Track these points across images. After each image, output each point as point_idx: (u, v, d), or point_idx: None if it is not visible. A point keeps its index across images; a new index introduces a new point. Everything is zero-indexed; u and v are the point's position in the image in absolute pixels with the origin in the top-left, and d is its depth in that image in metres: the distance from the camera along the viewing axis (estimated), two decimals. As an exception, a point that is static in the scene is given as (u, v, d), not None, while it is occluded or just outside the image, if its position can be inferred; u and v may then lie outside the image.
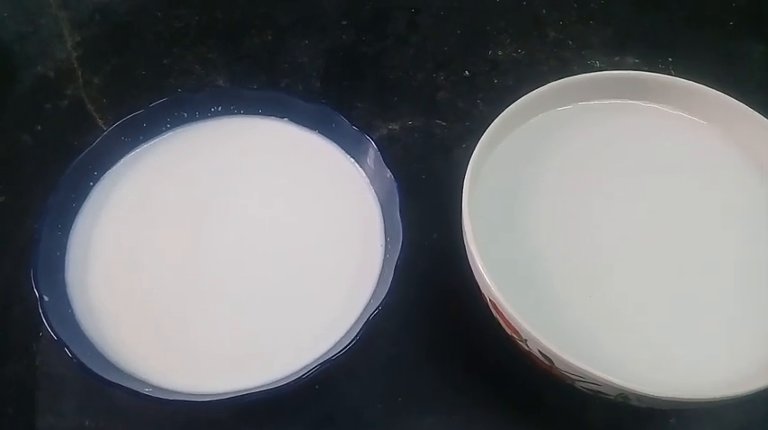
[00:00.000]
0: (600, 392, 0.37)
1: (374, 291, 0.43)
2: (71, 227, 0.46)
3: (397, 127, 0.57)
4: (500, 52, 0.62)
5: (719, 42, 0.64)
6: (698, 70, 0.60)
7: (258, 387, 0.40)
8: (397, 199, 0.44)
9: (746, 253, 0.42)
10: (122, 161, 0.48)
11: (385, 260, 0.44)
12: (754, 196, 0.44)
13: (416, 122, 0.58)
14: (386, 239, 0.45)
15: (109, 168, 0.48)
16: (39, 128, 0.57)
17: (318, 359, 0.41)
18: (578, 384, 0.37)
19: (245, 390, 0.40)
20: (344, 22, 0.64)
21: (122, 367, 0.41)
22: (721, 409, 0.41)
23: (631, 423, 0.44)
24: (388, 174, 0.45)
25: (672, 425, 0.44)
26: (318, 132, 0.50)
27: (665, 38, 0.64)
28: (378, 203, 0.47)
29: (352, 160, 0.49)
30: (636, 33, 0.64)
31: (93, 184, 0.47)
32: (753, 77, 0.61)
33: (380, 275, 0.44)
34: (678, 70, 0.61)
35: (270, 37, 0.63)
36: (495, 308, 0.39)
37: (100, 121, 0.57)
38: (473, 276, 0.41)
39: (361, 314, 0.42)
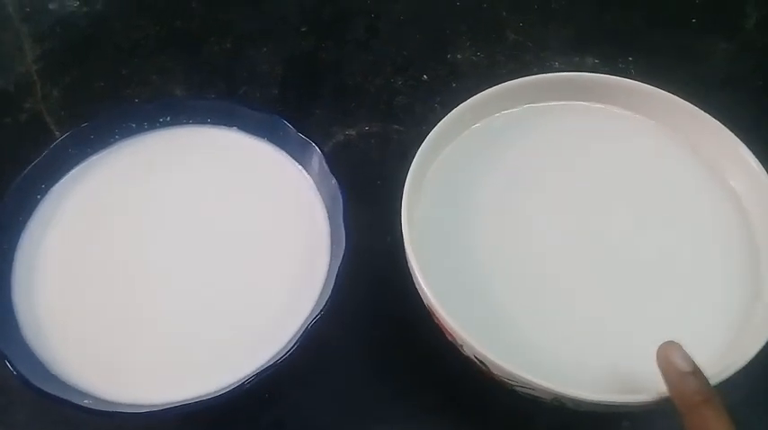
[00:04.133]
0: (537, 397, 0.37)
1: (318, 298, 0.43)
2: (18, 241, 0.46)
3: (354, 132, 0.57)
4: (459, 55, 0.62)
5: (681, 41, 0.64)
6: (659, 69, 0.60)
7: (202, 396, 0.40)
8: (341, 205, 0.44)
9: (692, 253, 0.42)
10: (70, 174, 0.49)
11: (330, 266, 0.44)
12: (700, 194, 0.44)
13: (374, 128, 0.58)
14: (331, 246, 0.45)
15: (56, 181, 0.48)
16: (-3, 142, 0.57)
17: (263, 366, 0.41)
18: (517, 389, 0.37)
19: (189, 400, 0.39)
20: (304, 29, 0.65)
21: (65, 379, 0.41)
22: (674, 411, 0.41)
23: (582, 428, 0.43)
24: (333, 180, 0.45)
25: (625, 428, 0.43)
26: (267, 140, 0.50)
27: (625, 37, 0.64)
28: (324, 209, 0.47)
29: (300, 167, 0.49)
30: (596, 33, 0.64)
31: (41, 197, 0.47)
32: (715, 75, 0.61)
33: (325, 281, 0.44)
34: (638, 70, 0.61)
35: (229, 45, 0.63)
36: (433, 313, 0.39)
37: (57, 134, 0.57)
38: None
39: (305, 321, 0.42)
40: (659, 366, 0.34)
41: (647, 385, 0.35)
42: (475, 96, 0.46)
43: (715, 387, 0.33)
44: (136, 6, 0.67)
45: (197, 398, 0.40)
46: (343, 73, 0.61)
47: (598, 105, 0.48)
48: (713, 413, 0.32)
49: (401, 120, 0.58)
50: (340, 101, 0.59)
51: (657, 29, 0.65)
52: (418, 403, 0.45)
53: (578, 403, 0.35)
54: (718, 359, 0.37)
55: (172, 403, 0.39)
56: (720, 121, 0.44)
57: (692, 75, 0.60)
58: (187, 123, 0.51)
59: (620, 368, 0.38)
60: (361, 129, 0.57)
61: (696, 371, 0.33)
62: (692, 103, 0.45)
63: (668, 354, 0.33)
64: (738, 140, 0.43)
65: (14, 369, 0.39)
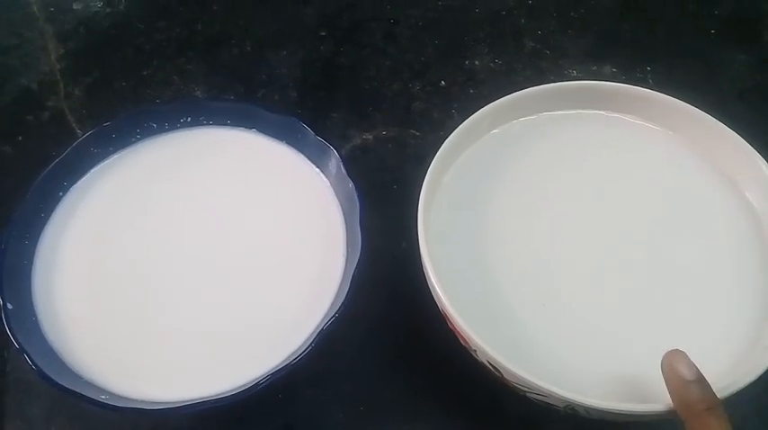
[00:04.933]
0: (549, 404, 0.37)
1: (333, 300, 0.43)
2: (39, 236, 0.46)
3: (371, 136, 0.58)
4: (477, 62, 0.63)
5: (700, 51, 0.64)
6: (677, 79, 0.60)
7: (217, 394, 0.40)
8: (358, 208, 0.44)
9: (706, 264, 0.42)
10: (92, 172, 0.49)
11: (345, 269, 0.45)
12: (716, 205, 0.44)
13: (391, 132, 0.58)
14: (347, 249, 0.46)
15: (78, 179, 0.49)
16: (20, 139, 0.58)
17: (277, 367, 0.41)
18: (529, 395, 0.37)
19: (204, 398, 0.40)
20: (323, 33, 0.65)
21: (83, 375, 0.42)
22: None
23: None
24: (350, 184, 0.46)
25: (635, 437, 0.44)
26: (285, 143, 0.50)
27: (644, 47, 0.64)
28: (341, 212, 0.47)
29: (318, 170, 0.49)
30: (615, 42, 0.64)
31: (63, 194, 0.48)
32: (733, 86, 0.61)
33: (341, 284, 0.44)
34: (657, 80, 0.61)
35: (248, 48, 0.64)
36: (447, 318, 0.39)
37: (79, 132, 0.58)
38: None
39: (320, 322, 0.43)
40: (663, 374, 0.34)
41: (659, 394, 0.35)
42: (493, 103, 0.46)
43: (724, 400, 0.33)
44: (158, 9, 0.68)
45: (211, 396, 0.40)
46: (360, 77, 0.62)
47: (615, 114, 0.48)
48: (716, 422, 0.32)
49: (418, 125, 0.58)
50: (357, 105, 0.60)
51: (676, 39, 0.65)
52: (431, 407, 0.45)
53: (590, 411, 0.35)
54: (728, 372, 0.37)
55: (186, 401, 0.40)
56: (738, 133, 0.44)
57: (711, 86, 0.60)
58: (207, 124, 0.51)
59: (632, 377, 0.38)
60: (378, 134, 0.58)
61: (700, 380, 0.33)
62: (709, 114, 0.45)
63: (672, 362, 0.34)
64: (756, 152, 0.43)
65: (33, 363, 0.39)
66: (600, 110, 0.48)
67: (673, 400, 0.34)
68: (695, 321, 0.40)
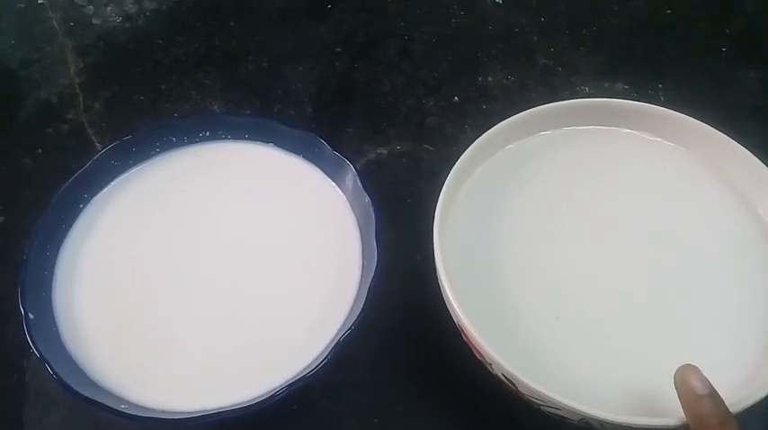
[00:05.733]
0: (564, 417, 0.37)
1: (349, 313, 0.44)
2: (60, 247, 0.47)
3: (385, 151, 0.58)
4: (490, 78, 0.63)
5: (711, 69, 0.64)
6: (688, 97, 0.61)
7: (233, 405, 0.41)
8: (374, 222, 0.45)
9: (719, 275, 0.43)
10: (112, 184, 0.50)
11: (361, 282, 0.45)
12: (727, 218, 0.45)
13: (404, 147, 0.59)
14: (363, 262, 0.46)
15: (99, 191, 0.50)
16: (39, 151, 0.59)
17: (293, 378, 0.41)
18: (543, 409, 0.38)
19: (220, 409, 0.40)
20: (338, 50, 0.66)
21: (102, 384, 0.42)
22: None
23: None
24: (366, 198, 0.46)
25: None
26: (302, 157, 0.51)
27: (656, 64, 0.64)
28: (357, 226, 0.48)
29: (334, 184, 0.50)
30: (627, 60, 0.65)
31: (83, 206, 0.49)
32: (744, 104, 0.62)
33: (356, 297, 0.45)
34: (668, 97, 0.61)
35: (265, 64, 0.65)
36: (463, 331, 0.39)
37: (98, 145, 0.59)
38: (446, 300, 0.41)
39: (335, 335, 0.43)
40: (676, 388, 0.34)
41: (673, 409, 0.35)
42: (509, 119, 0.47)
43: (737, 415, 0.33)
44: (176, 24, 0.69)
45: (228, 407, 0.40)
46: (375, 93, 0.63)
47: (628, 131, 0.49)
48: None
49: (432, 141, 0.59)
50: (372, 120, 0.61)
51: (688, 57, 0.65)
52: (445, 420, 0.45)
53: (605, 424, 0.35)
54: (742, 387, 0.38)
55: (203, 411, 0.40)
56: (749, 150, 0.45)
57: (722, 103, 0.61)
58: (225, 138, 0.52)
59: (646, 391, 0.39)
60: (393, 148, 0.59)
61: (712, 394, 0.33)
62: (721, 131, 0.46)
63: (685, 377, 0.34)
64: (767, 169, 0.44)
65: (54, 372, 0.40)
66: (614, 126, 0.49)
67: (686, 415, 0.34)
68: (709, 336, 0.40)
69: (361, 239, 0.47)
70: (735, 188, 0.46)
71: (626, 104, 0.48)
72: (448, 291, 0.39)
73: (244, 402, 0.40)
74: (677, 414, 0.34)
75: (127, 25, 0.69)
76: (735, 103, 0.61)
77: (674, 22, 0.68)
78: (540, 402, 0.37)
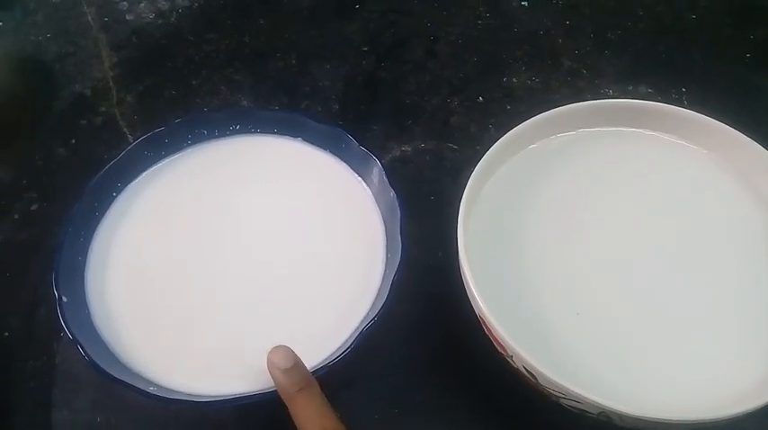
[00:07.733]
0: (583, 411, 0.38)
1: (372, 305, 0.45)
2: (93, 234, 0.49)
3: (409, 149, 0.59)
4: (515, 79, 0.64)
5: (735, 74, 0.65)
6: (712, 101, 0.60)
7: (256, 391, 0.41)
8: (399, 217, 0.46)
9: (738, 277, 0.43)
10: (144, 174, 0.52)
11: (385, 275, 0.46)
12: (749, 222, 0.45)
13: (429, 145, 0.60)
14: (387, 255, 0.47)
15: (131, 180, 0.51)
16: (73, 142, 0.61)
17: (317, 366, 0.42)
18: (563, 401, 0.38)
19: (244, 394, 0.41)
20: (365, 49, 0.67)
21: (132, 367, 0.43)
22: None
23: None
24: (392, 193, 0.47)
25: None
26: (329, 152, 0.52)
27: (679, 68, 0.65)
28: (381, 220, 0.49)
29: (360, 179, 0.51)
30: (651, 63, 0.65)
31: (117, 195, 0.50)
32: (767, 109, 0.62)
33: (380, 289, 0.46)
34: (692, 101, 0.61)
35: (294, 61, 0.66)
36: (484, 323, 0.40)
37: (130, 137, 0.60)
38: (468, 293, 0.42)
39: (358, 326, 0.44)
40: (268, 369, 0.39)
41: (689, 404, 0.36)
42: (533, 118, 0.47)
43: (751, 414, 0.34)
44: (207, 21, 0.70)
45: (252, 392, 0.41)
46: (401, 92, 0.64)
47: (652, 133, 0.49)
48: (305, 399, 0.38)
49: (456, 139, 0.60)
50: (397, 118, 0.62)
51: (712, 62, 0.66)
52: (465, 412, 0.46)
53: (624, 418, 0.36)
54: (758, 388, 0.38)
55: (227, 395, 0.41)
56: (774, 155, 0.45)
57: (746, 108, 0.61)
58: (255, 132, 0.53)
59: (661, 386, 0.39)
60: (417, 146, 0.59)
61: (295, 367, 0.39)
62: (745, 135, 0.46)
63: (271, 356, 0.39)
64: (792, 173, 0.44)
65: (86, 354, 0.41)
66: (637, 128, 0.49)
67: (276, 388, 0.39)
68: (728, 336, 0.41)
69: (386, 233, 0.48)
70: (758, 191, 0.46)
71: (650, 106, 0.49)
72: (471, 283, 0.40)
73: (267, 388, 0.41)
74: (693, 409, 0.35)
75: (159, 21, 0.70)
76: (758, 109, 0.61)
77: (699, 27, 0.69)
78: (560, 395, 0.37)
